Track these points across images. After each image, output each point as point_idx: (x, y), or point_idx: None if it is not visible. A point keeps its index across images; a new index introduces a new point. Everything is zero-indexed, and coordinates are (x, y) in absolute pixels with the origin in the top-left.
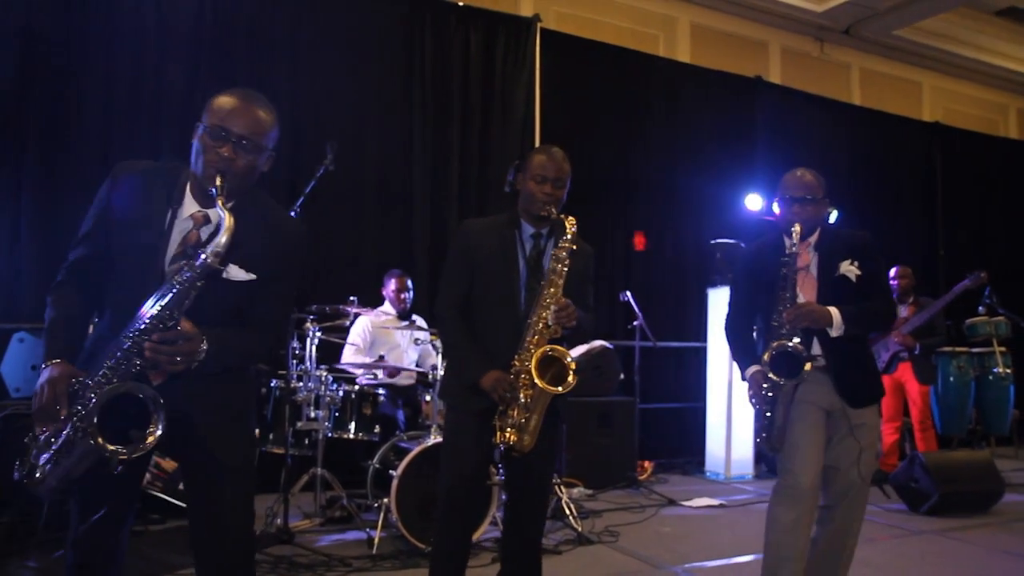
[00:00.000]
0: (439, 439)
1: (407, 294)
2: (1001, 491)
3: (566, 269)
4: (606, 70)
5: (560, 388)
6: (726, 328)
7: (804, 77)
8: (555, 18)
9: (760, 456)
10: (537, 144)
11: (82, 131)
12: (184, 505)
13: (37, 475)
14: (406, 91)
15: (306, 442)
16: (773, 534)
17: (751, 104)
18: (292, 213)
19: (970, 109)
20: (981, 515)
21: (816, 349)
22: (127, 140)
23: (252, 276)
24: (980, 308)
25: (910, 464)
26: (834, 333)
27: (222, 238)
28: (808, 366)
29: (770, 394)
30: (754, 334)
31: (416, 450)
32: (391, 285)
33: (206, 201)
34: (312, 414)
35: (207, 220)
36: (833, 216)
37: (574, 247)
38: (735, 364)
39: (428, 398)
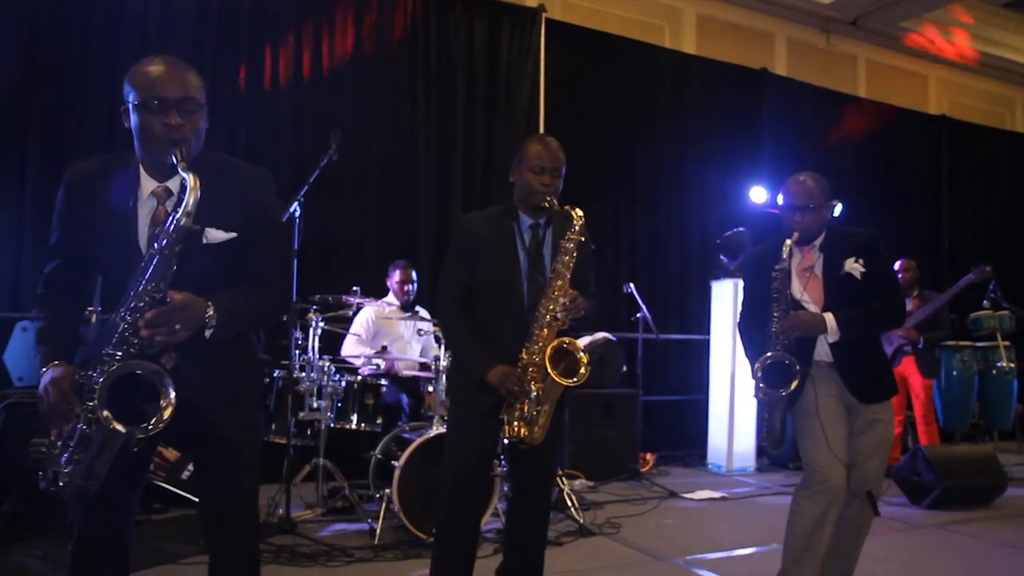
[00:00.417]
0: (442, 430)
1: (411, 285)
2: (1004, 485)
3: (573, 262)
4: (611, 61)
5: (574, 380)
6: (739, 326)
7: (810, 69)
8: (560, 8)
9: (762, 449)
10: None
11: (86, 122)
12: (185, 494)
13: (61, 481)
14: (410, 81)
15: (308, 432)
16: (798, 527)
17: (757, 96)
18: (296, 203)
19: (977, 102)
20: (983, 509)
21: (823, 347)
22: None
23: (232, 234)
24: (984, 302)
25: (912, 458)
26: (831, 339)
27: (189, 198)
28: (794, 384)
29: (767, 400)
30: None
31: (418, 441)
32: (395, 276)
33: (162, 176)
34: (314, 404)
35: (169, 193)
36: (838, 208)
37: (582, 239)
38: (738, 357)
39: (431, 389)
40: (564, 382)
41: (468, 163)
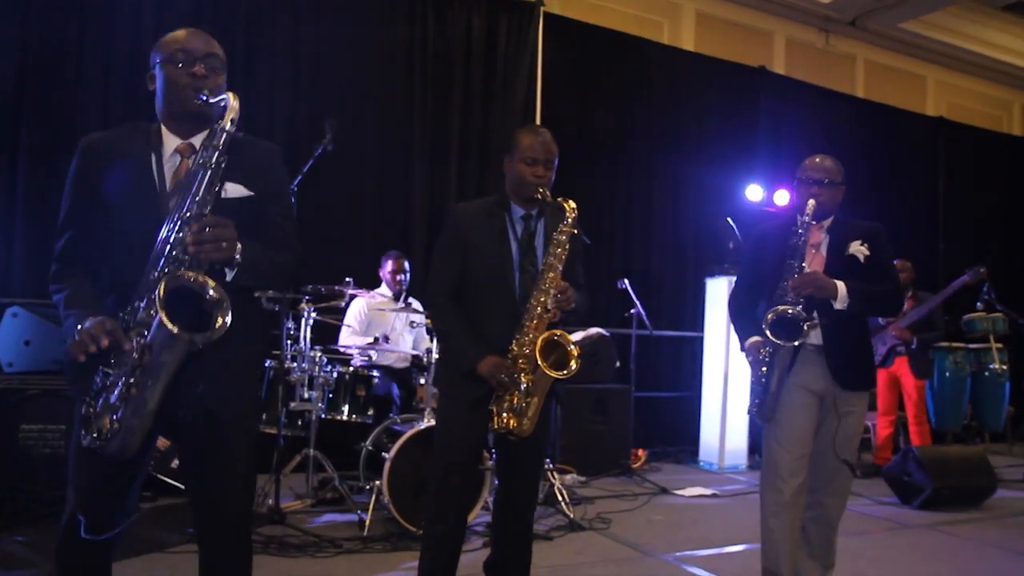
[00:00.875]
0: (432, 422)
1: (404, 275)
2: (994, 487)
3: (565, 254)
4: (609, 56)
5: (564, 373)
6: (729, 304)
7: (808, 68)
8: (558, 2)
9: (754, 446)
10: None
11: (78, 107)
12: (175, 483)
13: (109, 429)
14: (407, 73)
15: (299, 423)
16: (766, 516)
17: (754, 94)
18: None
19: (974, 104)
20: (973, 510)
21: (813, 330)
22: (124, 115)
23: (250, 192)
24: (978, 304)
25: (904, 458)
26: (838, 306)
27: (231, 113)
28: (806, 327)
29: (767, 358)
30: (758, 313)
31: (409, 433)
32: (388, 266)
33: (186, 133)
34: (305, 395)
35: (193, 149)
36: None
37: (575, 231)
38: (731, 355)
39: (423, 381)
40: (554, 374)
41: (463, 156)
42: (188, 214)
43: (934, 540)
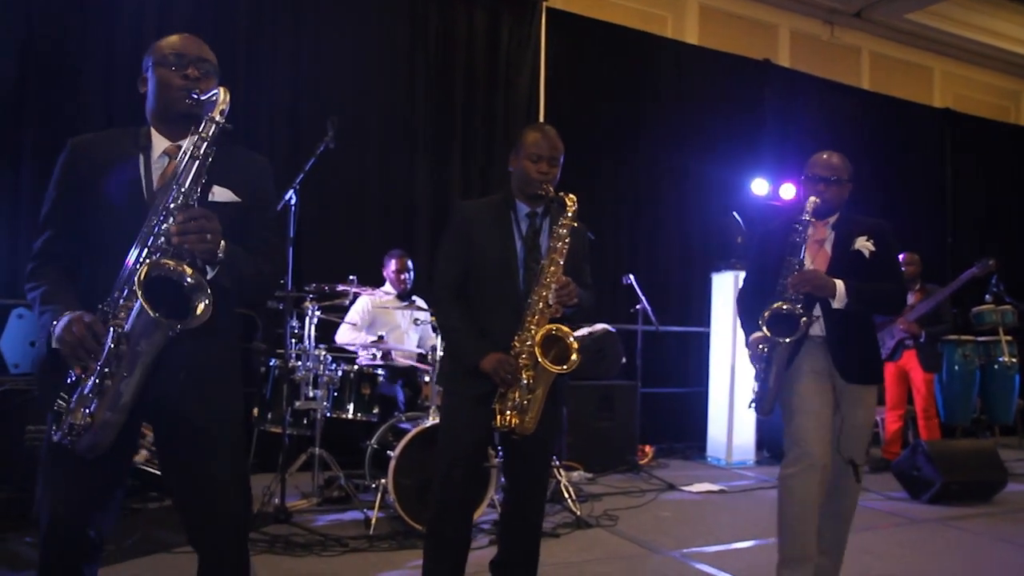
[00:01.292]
0: (438, 420)
1: (408, 274)
2: (1004, 481)
3: (566, 248)
4: (612, 51)
5: (564, 367)
6: (737, 302)
7: (813, 61)
8: None
9: (762, 442)
10: None
11: (82, 107)
12: None
13: (80, 424)
14: (409, 70)
15: (304, 422)
16: (791, 511)
17: (759, 87)
18: (292, 191)
19: (981, 95)
20: (983, 504)
21: (818, 322)
22: (127, 115)
23: (237, 199)
24: (987, 296)
25: (913, 452)
26: (836, 304)
27: (222, 103)
28: (803, 321)
29: (766, 352)
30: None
31: (414, 431)
32: (392, 265)
33: (176, 136)
34: (310, 394)
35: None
36: None
37: (574, 224)
38: (738, 350)
39: (428, 379)
40: (554, 369)
41: (467, 152)
42: (172, 204)
43: (944, 535)
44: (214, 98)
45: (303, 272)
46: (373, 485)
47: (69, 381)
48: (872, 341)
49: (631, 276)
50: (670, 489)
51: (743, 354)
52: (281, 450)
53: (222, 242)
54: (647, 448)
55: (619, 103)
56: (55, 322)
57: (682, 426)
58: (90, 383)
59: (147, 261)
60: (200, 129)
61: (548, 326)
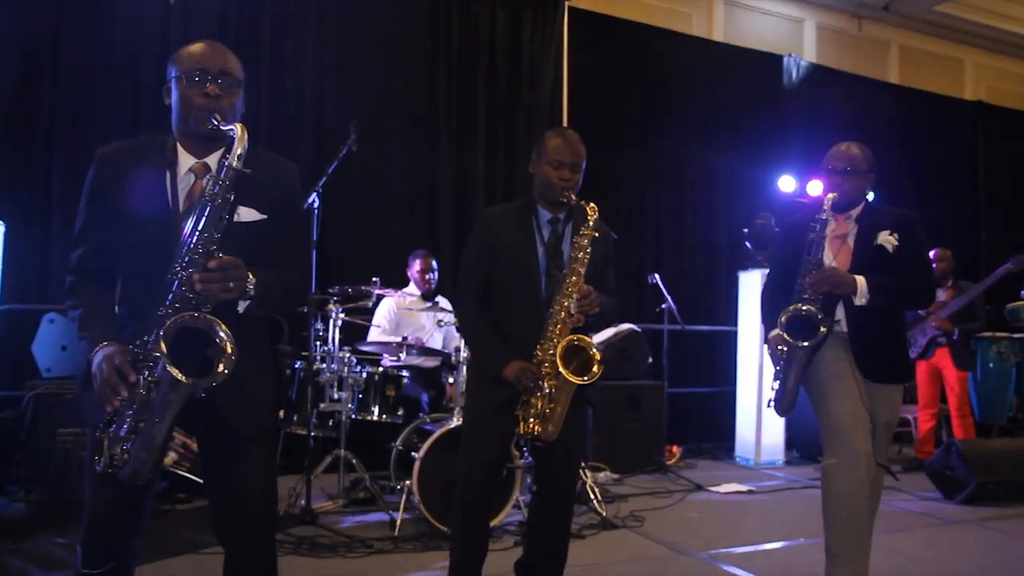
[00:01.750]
0: (462, 422)
1: (432, 275)
2: None
3: (588, 257)
4: (636, 49)
5: (585, 378)
6: (761, 298)
7: (841, 55)
8: None
9: (791, 442)
10: (565, 125)
11: (110, 115)
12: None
13: (119, 458)
14: (432, 72)
15: (329, 423)
16: (837, 505)
17: (785, 83)
18: (314, 193)
19: (1015, 87)
20: (1019, 505)
21: (839, 315)
22: (155, 122)
23: (263, 216)
24: (1022, 292)
25: (946, 452)
26: (858, 301)
27: (238, 147)
28: (823, 329)
29: (784, 355)
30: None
31: (438, 432)
32: (416, 266)
33: (201, 153)
34: (335, 395)
35: (208, 169)
36: (870, 197)
37: (595, 234)
38: (767, 349)
39: (452, 380)
40: (575, 380)
41: (490, 153)
42: (195, 252)
43: (978, 536)
44: (232, 135)
45: (327, 274)
46: (398, 486)
47: (107, 415)
48: (899, 339)
49: (656, 275)
50: (697, 490)
51: None
52: (306, 452)
53: (250, 280)
54: (674, 448)
55: (643, 101)
56: (92, 353)
57: (710, 426)
58: (125, 426)
59: (174, 311)
60: (219, 174)
61: (570, 336)
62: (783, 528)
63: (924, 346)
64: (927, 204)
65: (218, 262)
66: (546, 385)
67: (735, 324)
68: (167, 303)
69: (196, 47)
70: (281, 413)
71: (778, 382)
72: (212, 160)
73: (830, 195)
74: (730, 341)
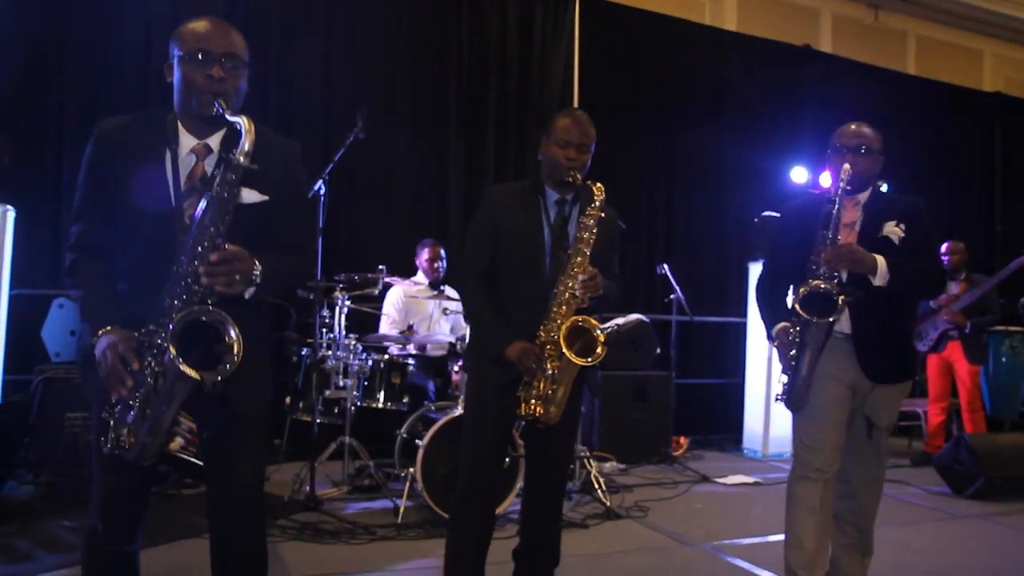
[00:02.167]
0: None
1: (440, 263)
2: None
3: (593, 238)
4: (648, 39)
5: (589, 359)
6: (756, 290)
7: (857, 46)
8: None
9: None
10: None
11: (121, 99)
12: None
13: (126, 441)
14: (442, 60)
15: (335, 411)
16: (794, 510)
17: (800, 74)
18: (321, 181)
19: None
20: None
21: (843, 319)
22: (162, 100)
23: (265, 197)
24: None
25: (956, 446)
26: (877, 282)
27: (246, 142)
28: (842, 300)
29: (797, 338)
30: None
31: (443, 420)
32: (424, 254)
33: (202, 133)
34: (341, 383)
35: (209, 150)
36: (884, 189)
37: (602, 215)
38: (775, 344)
39: (458, 368)
40: (579, 362)
41: (500, 143)
42: (200, 244)
43: (987, 531)
44: (238, 127)
45: (334, 261)
46: (402, 474)
47: (111, 402)
48: (904, 336)
49: (665, 266)
50: (703, 481)
51: None
52: (312, 439)
53: (256, 269)
54: (681, 439)
55: (654, 92)
56: (94, 338)
57: (718, 417)
58: (131, 413)
59: (183, 303)
60: (227, 172)
61: (575, 317)
62: None
63: (936, 339)
64: (944, 196)
65: (220, 254)
66: (549, 366)
67: (744, 315)
68: (174, 294)
69: (199, 24)
70: (287, 400)
71: (787, 376)
72: (214, 141)
73: (847, 166)
74: (739, 332)
